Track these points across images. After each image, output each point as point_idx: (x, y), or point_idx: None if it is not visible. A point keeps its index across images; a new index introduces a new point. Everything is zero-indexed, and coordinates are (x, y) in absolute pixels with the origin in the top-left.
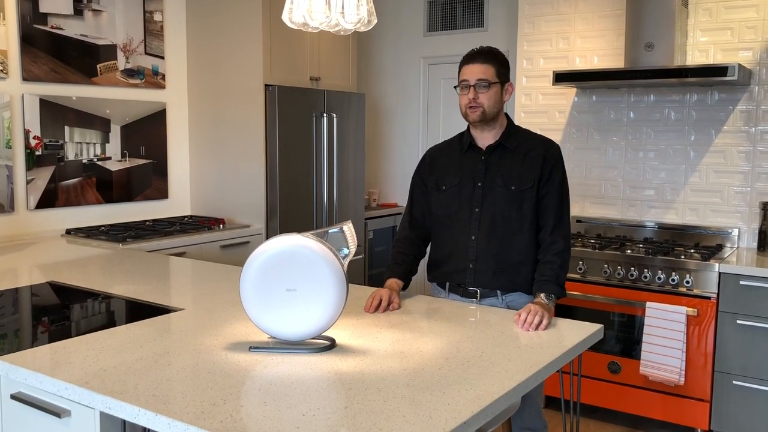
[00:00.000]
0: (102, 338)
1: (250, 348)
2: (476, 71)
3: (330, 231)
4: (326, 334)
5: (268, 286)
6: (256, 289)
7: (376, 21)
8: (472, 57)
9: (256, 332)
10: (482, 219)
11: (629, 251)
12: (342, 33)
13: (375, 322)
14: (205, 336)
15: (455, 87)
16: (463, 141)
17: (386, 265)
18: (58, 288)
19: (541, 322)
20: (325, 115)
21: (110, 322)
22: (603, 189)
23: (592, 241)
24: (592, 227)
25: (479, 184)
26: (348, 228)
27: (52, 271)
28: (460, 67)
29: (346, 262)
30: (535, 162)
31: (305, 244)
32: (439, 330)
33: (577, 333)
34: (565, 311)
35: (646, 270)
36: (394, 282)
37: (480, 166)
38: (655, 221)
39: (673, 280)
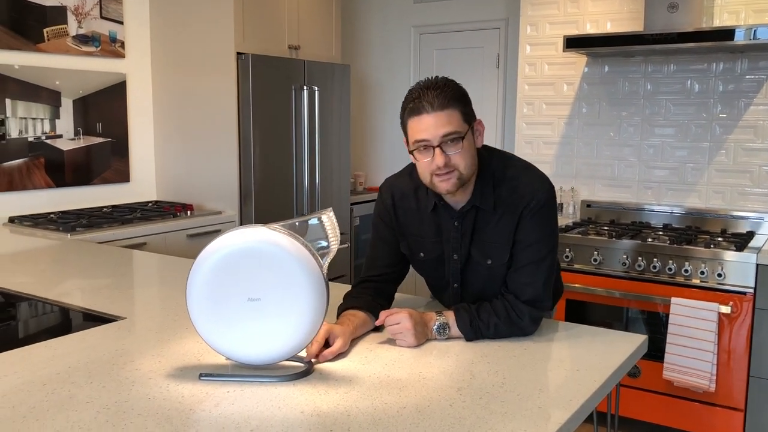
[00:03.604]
0: (6, 361)
1: (201, 376)
2: (436, 124)
3: (305, 222)
4: (300, 355)
5: (224, 294)
6: (208, 299)
7: None
8: (420, 106)
9: (210, 352)
10: (464, 290)
11: (650, 239)
12: None
13: (363, 337)
14: (144, 357)
15: (411, 152)
16: (428, 199)
17: None
18: None
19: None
20: (305, 88)
21: (19, 338)
22: (615, 169)
23: (607, 228)
24: (604, 212)
25: (455, 256)
26: (328, 218)
27: None
28: (405, 121)
29: (326, 262)
30: (509, 224)
31: (272, 240)
32: (445, 346)
33: (618, 347)
34: (577, 308)
35: (670, 261)
36: (348, 315)
37: (454, 233)
38: (675, 205)
39: (702, 272)
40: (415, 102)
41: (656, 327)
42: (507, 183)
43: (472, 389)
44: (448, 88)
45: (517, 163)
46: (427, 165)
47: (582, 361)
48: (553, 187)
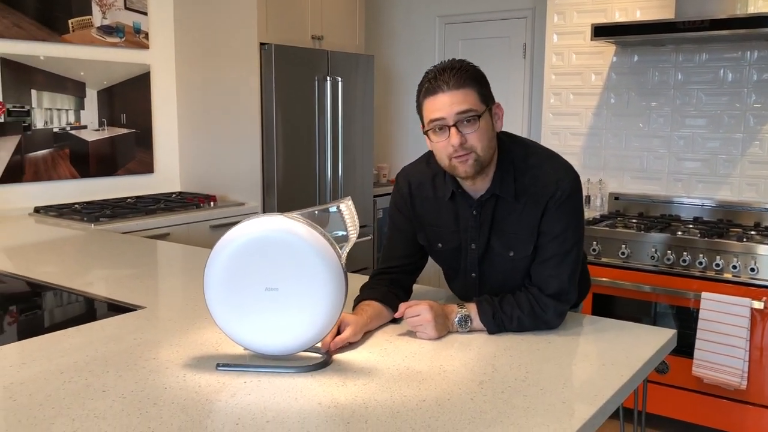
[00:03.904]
0: (25, 350)
1: (218, 366)
2: (451, 102)
3: (323, 210)
4: (318, 346)
5: (242, 283)
6: (226, 288)
7: None
8: (436, 85)
9: (228, 342)
10: (482, 282)
11: (680, 233)
12: None
13: (382, 328)
14: (162, 346)
15: (425, 132)
16: (446, 187)
17: None
18: None
19: (420, 326)
20: (328, 78)
21: (44, 327)
22: (645, 161)
23: (635, 220)
24: (632, 204)
25: (473, 246)
26: (347, 206)
27: (0, 257)
28: (421, 103)
29: (344, 251)
30: (533, 215)
31: (289, 229)
32: (466, 339)
33: (646, 341)
34: (604, 302)
35: (701, 255)
36: (363, 306)
37: (472, 222)
38: (706, 198)
39: (734, 266)
40: (431, 82)
41: (686, 322)
42: (530, 172)
43: (493, 383)
44: (464, 69)
45: (540, 151)
46: (443, 146)
47: (608, 355)
48: (578, 177)
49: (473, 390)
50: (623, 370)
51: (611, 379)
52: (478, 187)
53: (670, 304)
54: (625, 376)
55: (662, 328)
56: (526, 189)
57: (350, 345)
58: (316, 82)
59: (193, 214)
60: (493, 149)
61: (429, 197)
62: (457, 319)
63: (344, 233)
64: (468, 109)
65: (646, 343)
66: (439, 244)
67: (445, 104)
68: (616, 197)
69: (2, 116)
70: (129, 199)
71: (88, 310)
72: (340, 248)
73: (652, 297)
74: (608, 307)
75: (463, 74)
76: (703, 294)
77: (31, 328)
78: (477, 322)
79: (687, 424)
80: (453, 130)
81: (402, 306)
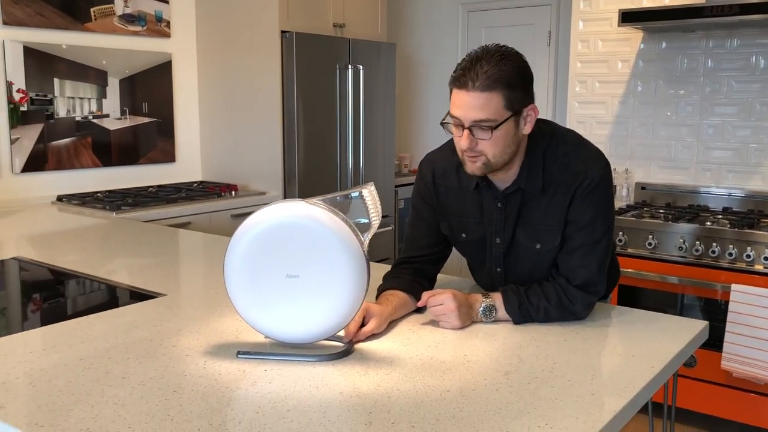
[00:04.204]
0: (46, 336)
1: (238, 353)
2: (471, 105)
3: (345, 196)
4: (340, 334)
5: (262, 270)
6: (246, 275)
7: None
8: (464, 79)
9: (249, 330)
10: (507, 276)
11: (709, 223)
12: None
13: (406, 317)
14: (182, 334)
15: (442, 123)
16: (471, 177)
17: None
18: (22, 266)
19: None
20: (350, 67)
21: (63, 313)
22: (672, 150)
23: (662, 211)
24: (659, 194)
25: (497, 240)
26: (369, 192)
27: (24, 245)
28: (450, 88)
29: (367, 238)
30: (560, 205)
31: (310, 214)
32: (491, 329)
33: (676, 333)
34: (630, 293)
35: (731, 246)
36: (387, 296)
37: (497, 215)
38: (735, 188)
39: (766, 258)
40: (462, 72)
41: (714, 315)
42: (559, 161)
43: (519, 373)
44: (500, 66)
45: (570, 138)
46: (457, 141)
47: (637, 347)
48: (608, 164)
49: (498, 380)
50: (653, 363)
51: (641, 371)
52: (502, 178)
53: (698, 296)
54: (655, 369)
55: (693, 320)
56: (554, 179)
57: (374, 335)
58: (338, 71)
59: (215, 203)
60: (510, 153)
61: (453, 186)
62: (481, 308)
63: (366, 220)
64: (485, 119)
65: (676, 335)
66: (463, 235)
67: (464, 105)
68: (642, 187)
69: (25, 105)
70: (151, 188)
71: (110, 297)
72: (363, 234)
73: (679, 288)
74: (634, 298)
75: (494, 74)
76: (733, 286)
77: (53, 316)
78: (502, 312)
79: (715, 418)
80: (466, 132)
81: (425, 295)
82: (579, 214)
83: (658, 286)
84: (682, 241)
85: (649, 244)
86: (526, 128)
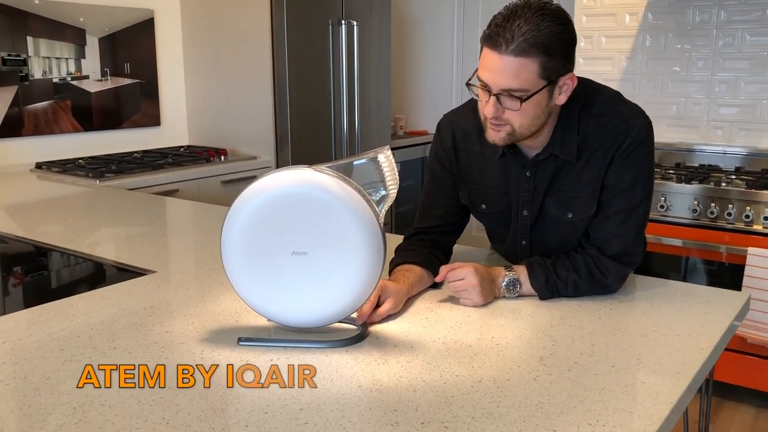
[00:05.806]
0: (23, 320)
1: (240, 340)
2: (501, 71)
3: (357, 162)
4: (353, 316)
5: (265, 247)
6: (247, 253)
7: None
8: (497, 37)
9: (249, 311)
10: (533, 249)
11: (723, 184)
12: None
13: (421, 294)
14: (176, 317)
15: (468, 83)
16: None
17: (415, 201)
18: None
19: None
20: (343, 23)
21: (42, 294)
22: (683, 108)
23: (672, 171)
24: (669, 154)
25: (524, 212)
26: (385, 157)
27: (1, 216)
28: (482, 45)
29: (383, 210)
30: (597, 170)
31: (319, 183)
32: (515, 305)
33: (718, 307)
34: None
35: (747, 208)
36: (402, 271)
37: (525, 185)
38: (748, 147)
39: None
40: (496, 29)
41: (729, 279)
42: (595, 121)
43: (556, 359)
44: (540, 27)
45: (607, 96)
46: (482, 106)
47: (680, 324)
48: (649, 121)
49: (534, 368)
50: (702, 342)
51: (690, 353)
52: (532, 144)
53: (712, 260)
54: (706, 349)
55: (734, 292)
56: (589, 143)
57: (389, 316)
58: (330, 26)
59: (203, 168)
60: (539, 125)
61: (475, 152)
62: (504, 283)
63: (383, 190)
64: (516, 89)
65: (719, 309)
66: (483, 206)
67: (494, 69)
68: None
69: None
70: (135, 154)
71: (94, 274)
72: (378, 206)
73: (693, 253)
74: (646, 263)
75: (531, 37)
76: (749, 249)
77: (30, 297)
78: (527, 287)
79: (729, 385)
80: (492, 99)
81: (443, 269)
82: (618, 177)
83: (671, 250)
84: (696, 203)
85: (662, 206)
86: (560, 98)
